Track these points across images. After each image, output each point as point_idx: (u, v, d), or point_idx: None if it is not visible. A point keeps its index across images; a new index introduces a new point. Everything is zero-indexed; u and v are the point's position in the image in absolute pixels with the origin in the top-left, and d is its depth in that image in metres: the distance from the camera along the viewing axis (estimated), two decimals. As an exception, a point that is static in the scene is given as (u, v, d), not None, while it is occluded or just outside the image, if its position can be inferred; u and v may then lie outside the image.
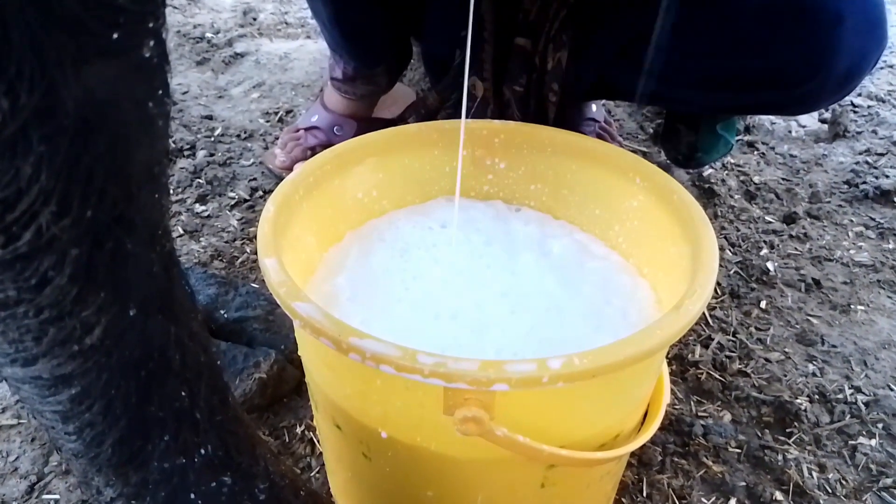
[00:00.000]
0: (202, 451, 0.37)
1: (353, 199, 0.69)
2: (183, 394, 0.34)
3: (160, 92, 0.26)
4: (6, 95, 0.20)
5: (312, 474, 0.71)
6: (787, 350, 0.84)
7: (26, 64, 0.20)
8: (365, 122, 1.11)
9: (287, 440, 0.73)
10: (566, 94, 0.93)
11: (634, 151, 1.24)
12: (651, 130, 1.30)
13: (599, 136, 1.19)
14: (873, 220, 1.07)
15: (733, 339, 0.85)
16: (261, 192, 1.09)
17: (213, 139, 1.22)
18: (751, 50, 0.77)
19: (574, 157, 0.69)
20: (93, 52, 0.22)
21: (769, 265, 0.97)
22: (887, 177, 1.15)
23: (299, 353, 0.59)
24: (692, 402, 0.77)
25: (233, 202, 1.07)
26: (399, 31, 1.02)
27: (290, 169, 1.08)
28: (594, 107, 1.21)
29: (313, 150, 1.08)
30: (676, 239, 0.58)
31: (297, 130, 1.12)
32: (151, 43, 0.25)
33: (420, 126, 0.71)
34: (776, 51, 0.75)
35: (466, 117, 0.99)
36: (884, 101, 1.39)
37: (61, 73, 0.21)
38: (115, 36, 0.23)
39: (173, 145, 1.18)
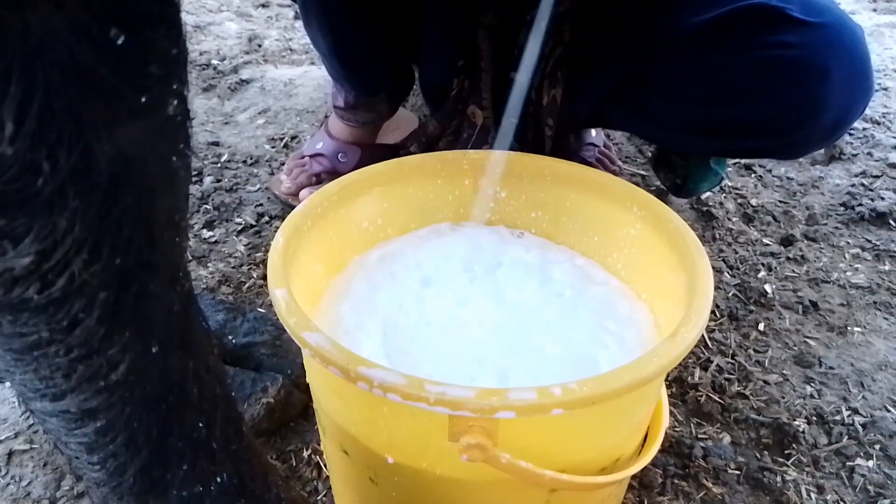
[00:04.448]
0: (218, 480, 0.39)
1: (358, 227, 0.71)
2: (200, 425, 0.36)
3: (182, 146, 0.28)
4: (47, 159, 0.22)
5: (319, 498, 0.72)
6: (785, 372, 0.85)
7: (66, 130, 0.22)
8: (368, 149, 1.13)
9: (294, 464, 0.75)
10: (561, 126, 0.96)
11: (633, 175, 1.26)
12: (650, 154, 1.32)
13: (598, 161, 1.21)
14: (869, 241, 1.09)
15: (732, 361, 0.87)
16: (267, 218, 1.11)
17: (219, 165, 1.24)
18: (740, 100, 0.80)
19: (573, 186, 0.71)
20: (124, 115, 0.24)
21: (767, 287, 0.99)
22: (882, 199, 1.17)
23: (307, 379, 0.60)
24: (692, 425, 0.79)
25: (240, 228, 1.09)
26: (398, 59, 1.05)
27: (295, 195, 1.10)
28: (593, 132, 1.23)
29: (318, 177, 1.11)
30: (673, 266, 0.59)
31: (303, 157, 1.14)
32: (175, 102, 0.27)
33: (423, 157, 0.73)
34: (765, 102, 0.78)
35: (466, 146, 1.02)
36: (879, 124, 1.41)
37: (96, 135, 0.23)
38: (144, 99, 0.25)
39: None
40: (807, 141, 0.81)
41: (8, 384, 0.80)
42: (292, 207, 1.12)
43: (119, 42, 0.22)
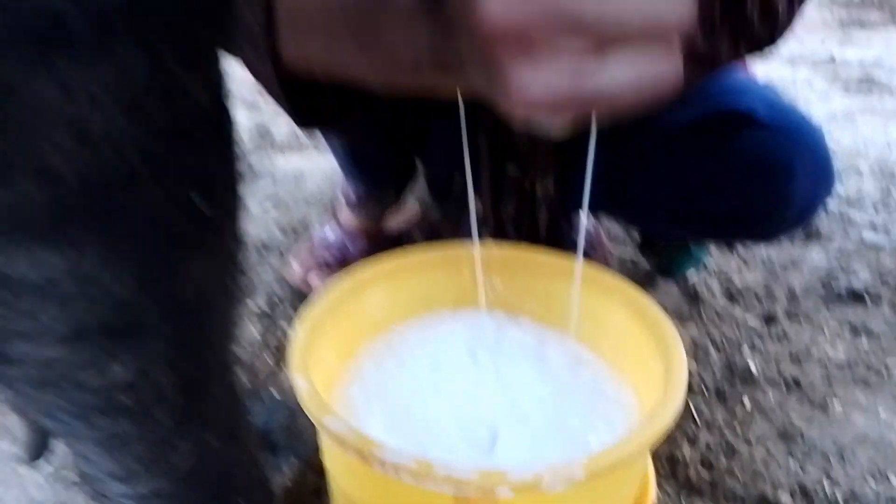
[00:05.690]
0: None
1: (367, 317, 0.77)
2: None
3: (239, 272, 0.35)
4: (149, 297, 0.29)
5: (331, 574, 0.76)
6: (769, 447, 0.90)
7: (165, 276, 0.29)
8: (374, 237, 1.21)
9: (307, 541, 0.79)
10: (554, 213, 1.04)
11: (621, 257, 1.33)
12: (637, 236, 1.40)
13: (588, 243, 1.29)
14: (847, 319, 1.15)
15: (719, 437, 0.92)
16: (279, 303, 1.18)
17: (232, 252, 1.31)
18: (713, 195, 0.88)
19: (563, 277, 0.77)
20: (202, 257, 0.31)
21: (752, 365, 1.05)
22: (858, 277, 1.24)
23: (324, 460, 0.66)
24: (682, 499, 0.83)
25: (253, 313, 1.15)
26: (406, 157, 1.14)
27: (305, 281, 1.17)
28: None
29: (327, 264, 1.18)
30: (653, 353, 0.66)
31: (312, 245, 1.22)
32: (236, 242, 0.34)
33: (425, 251, 0.80)
34: (736, 197, 0.86)
35: (463, 235, 1.09)
36: (853, 204, 1.49)
37: (184, 275, 0.30)
38: (216, 243, 0.32)
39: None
40: (776, 229, 0.88)
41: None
42: (303, 293, 1.19)
43: (203, 209, 0.29)
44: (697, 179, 0.89)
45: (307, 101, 0.55)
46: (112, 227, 0.26)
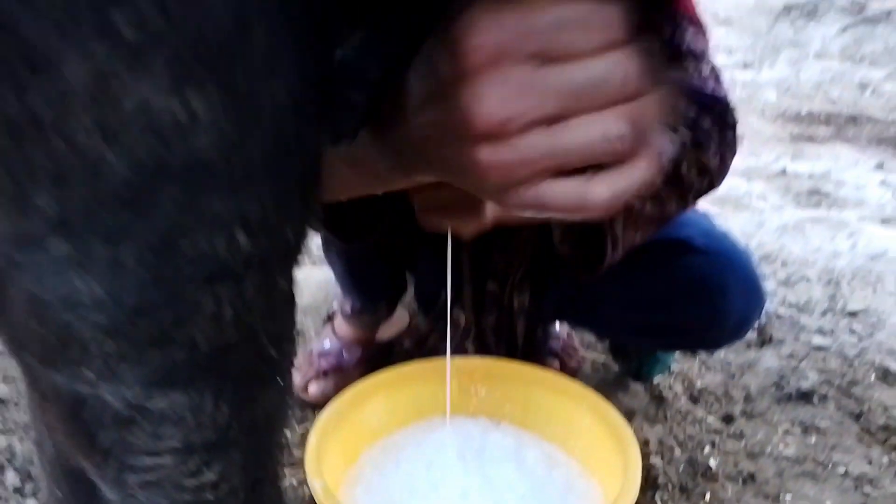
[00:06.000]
0: None
1: (368, 425, 0.89)
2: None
3: (291, 393, 0.47)
4: (235, 418, 0.41)
5: None
6: (727, 537, 1.00)
7: (245, 408, 0.41)
8: (368, 346, 1.32)
9: None
10: (531, 323, 1.17)
11: (594, 361, 1.46)
12: (608, 342, 1.53)
13: (563, 349, 1.42)
14: (797, 418, 1.27)
15: (683, 529, 1.02)
16: (280, 410, 1.28)
17: (235, 361, 1.42)
18: (660, 310, 1.02)
19: (538, 387, 0.90)
20: (271, 389, 0.43)
21: (712, 461, 1.16)
22: (808, 379, 1.37)
23: (333, 553, 0.75)
24: (650, 587, 0.93)
25: (255, 418, 1.25)
26: (399, 275, 1.27)
27: (304, 389, 1.28)
28: (557, 324, 1.44)
29: (325, 373, 1.29)
30: (615, 454, 0.77)
31: (310, 354, 1.33)
32: (290, 373, 0.46)
33: (416, 366, 0.93)
34: (679, 312, 1.00)
35: (452, 343, 1.22)
36: (803, 310, 1.64)
37: (261, 407, 0.42)
38: (280, 380, 0.44)
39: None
40: (715, 341, 1.02)
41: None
42: (301, 400, 1.29)
43: (274, 355, 0.42)
44: (646, 297, 1.03)
45: (343, 222, 0.77)
46: (221, 375, 0.38)
